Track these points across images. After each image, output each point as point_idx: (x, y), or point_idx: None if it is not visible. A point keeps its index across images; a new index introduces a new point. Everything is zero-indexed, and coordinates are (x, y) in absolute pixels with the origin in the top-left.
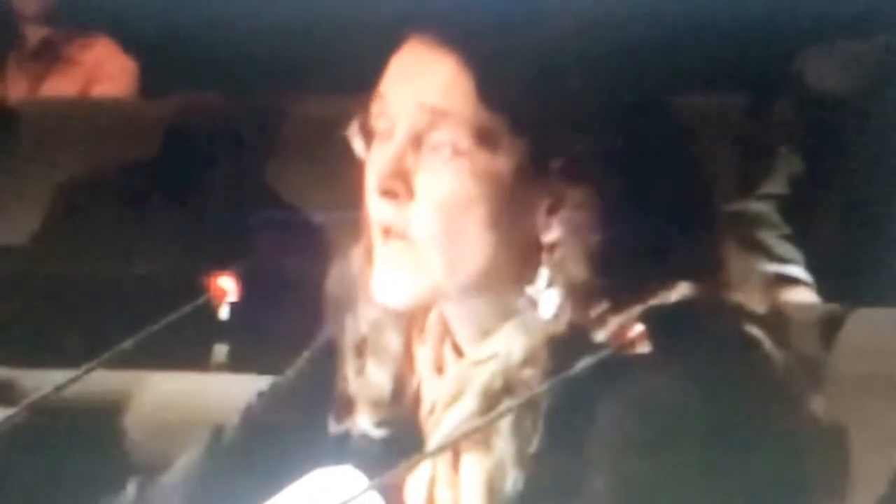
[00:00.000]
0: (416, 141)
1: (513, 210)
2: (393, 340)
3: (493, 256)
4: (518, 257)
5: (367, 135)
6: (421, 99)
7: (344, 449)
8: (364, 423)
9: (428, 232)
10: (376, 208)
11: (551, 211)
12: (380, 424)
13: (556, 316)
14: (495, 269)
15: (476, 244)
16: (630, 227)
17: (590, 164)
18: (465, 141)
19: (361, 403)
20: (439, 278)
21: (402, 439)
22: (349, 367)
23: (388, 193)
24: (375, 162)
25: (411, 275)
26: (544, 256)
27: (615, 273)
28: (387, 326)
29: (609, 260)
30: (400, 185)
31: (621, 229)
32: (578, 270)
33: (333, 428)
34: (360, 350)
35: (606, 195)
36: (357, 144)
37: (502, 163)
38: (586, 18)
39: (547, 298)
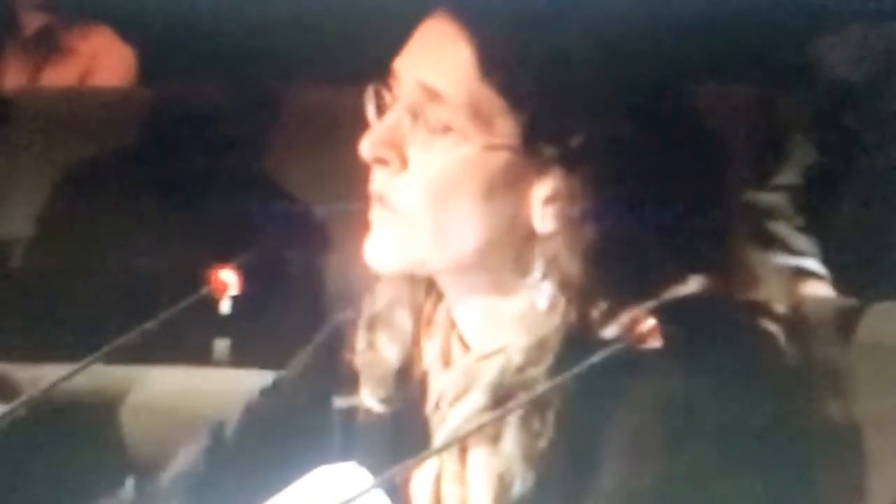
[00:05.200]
0: (413, 114)
1: (506, 194)
2: (405, 320)
3: (486, 239)
4: (514, 246)
5: (380, 104)
6: (421, 77)
7: (348, 437)
8: (368, 399)
9: (417, 204)
10: (373, 177)
11: (547, 202)
12: (384, 401)
13: (551, 309)
14: (488, 252)
15: (466, 223)
16: (637, 221)
17: (589, 154)
18: (460, 119)
19: (367, 377)
20: (427, 251)
21: (407, 423)
22: (360, 340)
23: (379, 161)
24: (372, 129)
25: (399, 243)
26: (538, 248)
27: (617, 268)
28: (401, 306)
29: (609, 255)
30: (392, 154)
31: (626, 223)
32: (572, 265)
33: (338, 403)
34: (373, 325)
35: (610, 188)
36: (370, 109)
37: (497, 144)
38: (601, 6)
39: (541, 291)
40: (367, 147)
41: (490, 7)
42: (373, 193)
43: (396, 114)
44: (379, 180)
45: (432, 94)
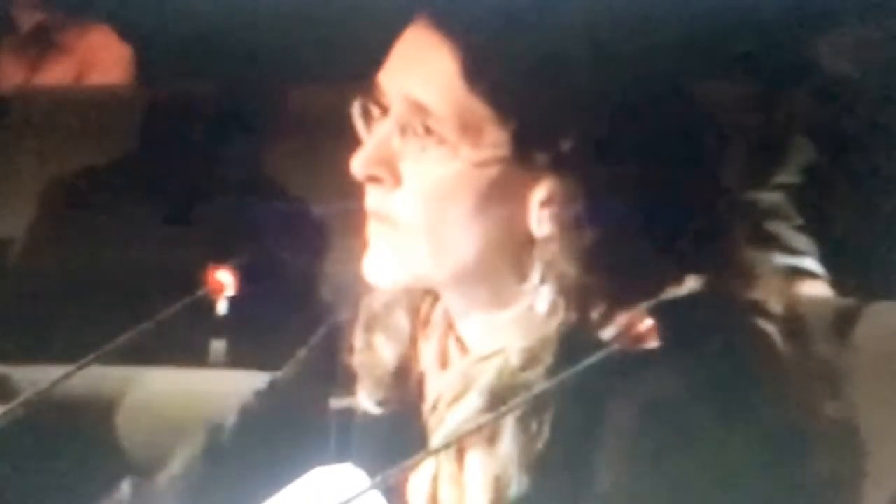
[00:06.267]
0: (402, 129)
1: (502, 202)
2: (402, 321)
3: (483, 248)
4: (511, 251)
5: (367, 117)
6: (408, 91)
7: (345, 438)
8: (365, 400)
9: (413, 219)
10: (367, 194)
11: (544, 205)
12: (381, 403)
13: (550, 312)
14: (487, 261)
15: (463, 234)
16: (634, 221)
17: (585, 157)
18: (450, 132)
19: (364, 377)
20: (425, 265)
21: (404, 425)
22: (357, 341)
23: (371, 179)
24: (363, 147)
25: (397, 258)
26: (536, 251)
27: (615, 270)
28: (399, 307)
29: (607, 256)
30: (384, 171)
31: (623, 224)
32: (570, 267)
33: (335, 404)
34: (370, 326)
35: (604, 189)
36: (359, 124)
37: (489, 153)
38: (591, 7)
39: (540, 295)
40: (358, 166)
41: (472, 14)
42: (368, 211)
43: (385, 129)
44: (373, 198)
45: (420, 108)
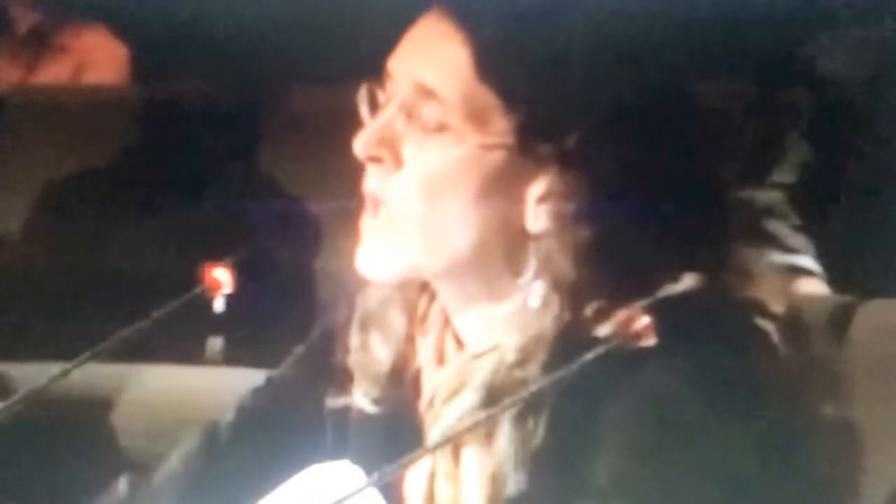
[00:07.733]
0: (407, 112)
1: (499, 194)
2: (398, 320)
3: (478, 241)
4: (506, 245)
5: (373, 103)
6: (417, 75)
7: (341, 435)
8: (361, 399)
9: (410, 204)
10: (367, 176)
11: (541, 201)
12: (377, 402)
13: (544, 308)
14: (481, 254)
15: (459, 225)
16: (632, 218)
17: (584, 153)
18: (455, 118)
19: (359, 377)
20: (419, 256)
21: (400, 423)
22: (352, 340)
23: (373, 159)
24: (366, 128)
25: (391, 249)
26: (531, 247)
27: (612, 267)
28: (394, 306)
29: (603, 254)
30: (386, 153)
31: (620, 221)
32: (564, 264)
33: (331, 403)
34: (366, 325)
35: (603, 186)
36: (363, 109)
37: (491, 143)
38: (598, 4)
39: (534, 290)
40: (360, 145)
41: (485, 5)
42: (366, 193)
43: (390, 112)
44: (373, 179)
45: (427, 93)
